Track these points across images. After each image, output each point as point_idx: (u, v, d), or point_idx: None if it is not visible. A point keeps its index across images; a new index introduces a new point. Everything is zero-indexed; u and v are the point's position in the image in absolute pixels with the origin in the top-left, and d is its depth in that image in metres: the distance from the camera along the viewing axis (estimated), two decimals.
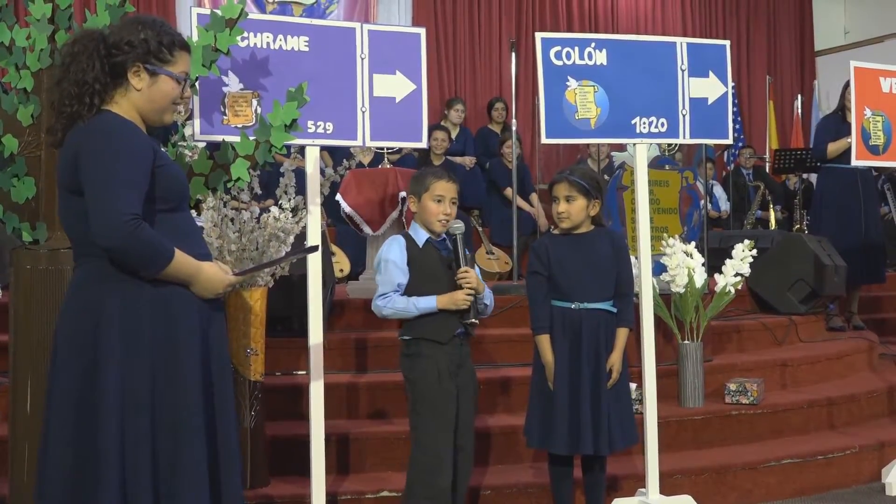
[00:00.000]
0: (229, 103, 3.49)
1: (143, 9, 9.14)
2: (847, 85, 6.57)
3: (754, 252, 5.04)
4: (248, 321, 3.90)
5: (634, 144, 4.07)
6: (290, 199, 4.15)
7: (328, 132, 3.65)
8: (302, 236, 3.97)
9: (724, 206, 9.99)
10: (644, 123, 4.00)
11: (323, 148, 4.43)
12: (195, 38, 3.24)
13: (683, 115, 4.05)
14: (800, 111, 12.08)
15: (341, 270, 6.85)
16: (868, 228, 6.58)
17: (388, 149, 6.66)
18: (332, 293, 5.13)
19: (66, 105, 2.61)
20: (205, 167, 3.27)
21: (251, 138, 3.32)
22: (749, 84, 12.44)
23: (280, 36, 3.58)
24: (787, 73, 12.77)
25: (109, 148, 2.52)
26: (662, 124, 4.02)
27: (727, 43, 4.20)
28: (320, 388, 3.56)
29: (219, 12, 3.25)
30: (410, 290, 3.42)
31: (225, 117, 3.48)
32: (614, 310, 3.68)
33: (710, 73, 4.09)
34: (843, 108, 6.66)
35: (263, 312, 3.96)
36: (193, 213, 3.26)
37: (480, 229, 8.27)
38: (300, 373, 4.60)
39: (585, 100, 3.91)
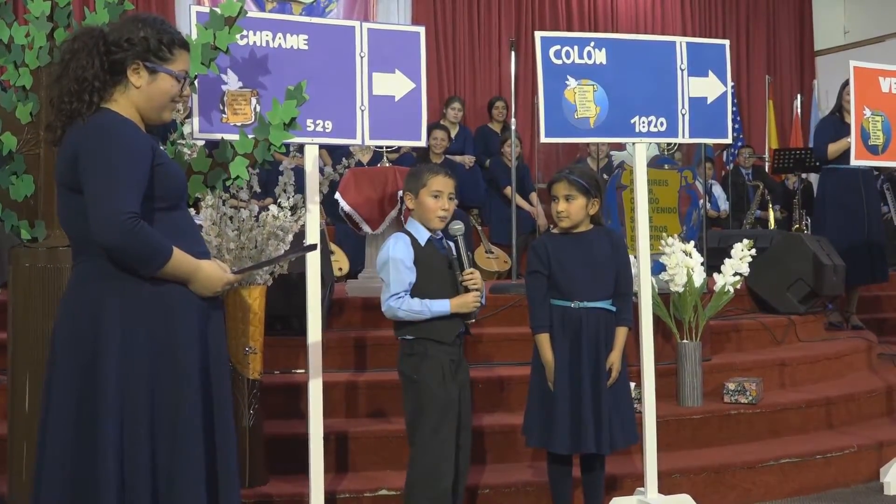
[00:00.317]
0: (228, 101, 3.48)
1: (142, 7, 9.13)
2: (845, 85, 6.59)
3: (753, 252, 5.04)
4: (247, 320, 3.89)
5: (634, 144, 4.06)
6: (289, 198, 4.15)
7: (327, 131, 3.64)
8: (301, 235, 3.97)
9: (724, 205, 9.99)
10: (643, 123, 4.00)
11: (322, 146, 4.43)
12: (194, 36, 3.24)
13: (683, 115, 4.05)
14: (799, 111, 12.08)
15: (340, 269, 6.85)
16: (871, 228, 6.59)
17: (387, 147, 6.66)
18: (332, 292, 5.13)
19: (66, 102, 2.61)
20: (204, 165, 3.27)
21: (250, 137, 3.31)
22: (748, 83, 12.44)
23: (279, 34, 3.57)
24: (787, 72, 12.77)
25: (109, 147, 2.52)
26: (662, 124, 4.02)
27: (726, 42, 4.20)
28: (319, 386, 3.56)
29: (218, 10, 3.25)
30: (415, 290, 3.40)
31: (224, 115, 3.47)
32: (614, 309, 3.68)
33: (710, 73, 4.09)
34: (840, 109, 6.67)
35: (262, 311, 3.96)
36: (192, 211, 3.26)
37: (480, 228, 8.27)
38: (299, 371, 4.60)
39: (585, 99, 3.91)
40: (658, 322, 4.79)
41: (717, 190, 10.17)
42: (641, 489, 3.99)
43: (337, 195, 5.89)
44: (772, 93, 12.01)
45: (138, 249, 2.50)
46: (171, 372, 2.58)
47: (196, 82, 3.34)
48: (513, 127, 6.76)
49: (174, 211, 2.69)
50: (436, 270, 3.41)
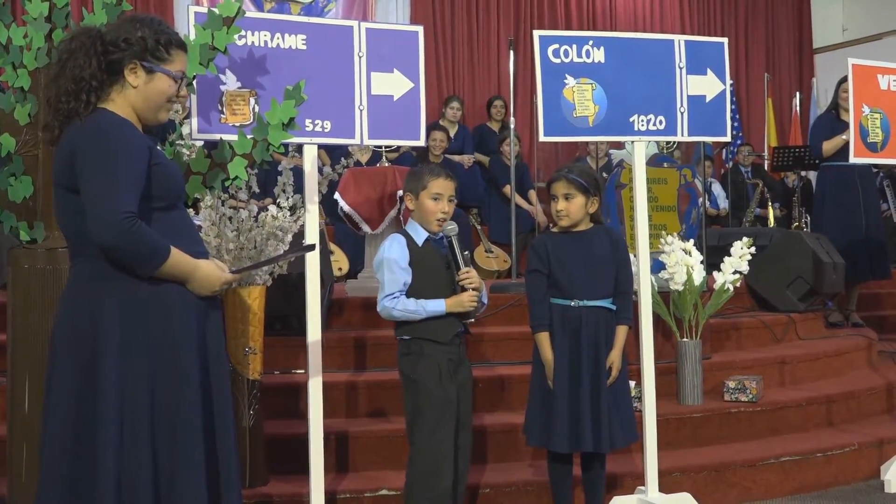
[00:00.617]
0: (227, 102, 3.48)
1: (140, 7, 9.12)
2: (841, 82, 6.61)
3: (753, 250, 5.04)
4: (247, 320, 3.89)
5: (633, 142, 4.06)
6: (288, 198, 4.15)
7: (326, 131, 3.64)
8: (300, 235, 3.97)
9: (723, 203, 9.99)
10: (642, 121, 4.00)
11: (321, 146, 4.43)
12: (192, 36, 3.23)
13: (681, 113, 4.04)
14: (798, 109, 12.08)
15: (340, 269, 6.84)
16: (869, 225, 6.59)
17: (385, 147, 6.66)
18: (331, 292, 5.13)
19: (63, 102, 2.62)
20: (202, 166, 3.26)
21: (249, 137, 3.31)
22: (747, 81, 12.44)
23: (278, 34, 3.57)
24: (786, 70, 12.77)
25: (106, 146, 2.53)
26: (660, 122, 4.02)
27: (725, 41, 4.20)
28: (319, 386, 3.55)
29: (216, 11, 3.25)
30: (412, 290, 3.40)
31: (222, 116, 3.47)
32: (613, 307, 3.68)
33: (709, 71, 4.09)
34: (836, 106, 6.67)
35: (262, 311, 3.95)
36: (191, 211, 3.26)
37: (479, 227, 8.27)
38: (299, 371, 4.60)
39: (583, 98, 3.90)
40: (658, 320, 4.79)
41: (717, 188, 10.17)
42: (642, 488, 3.98)
43: (336, 195, 5.89)
44: (771, 91, 12.00)
45: (136, 249, 2.50)
46: (171, 371, 2.58)
47: (195, 83, 3.33)
48: (511, 126, 6.76)
49: (172, 211, 2.69)
50: (434, 271, 3.41)
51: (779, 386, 5.29)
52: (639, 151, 4.05)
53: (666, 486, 4.02)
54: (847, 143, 6.28)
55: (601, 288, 3.66)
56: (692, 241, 5.00)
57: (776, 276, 6.27)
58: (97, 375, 2.53)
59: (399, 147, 7.81)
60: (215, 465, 2.66)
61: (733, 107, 11.33)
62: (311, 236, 3.54)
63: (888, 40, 11.73)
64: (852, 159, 4.70)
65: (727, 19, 12.47)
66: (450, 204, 3.46)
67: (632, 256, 3.98)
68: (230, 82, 3.49)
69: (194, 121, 3.45)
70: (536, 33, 3.94)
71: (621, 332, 3.67)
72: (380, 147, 6.63)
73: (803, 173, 9.79)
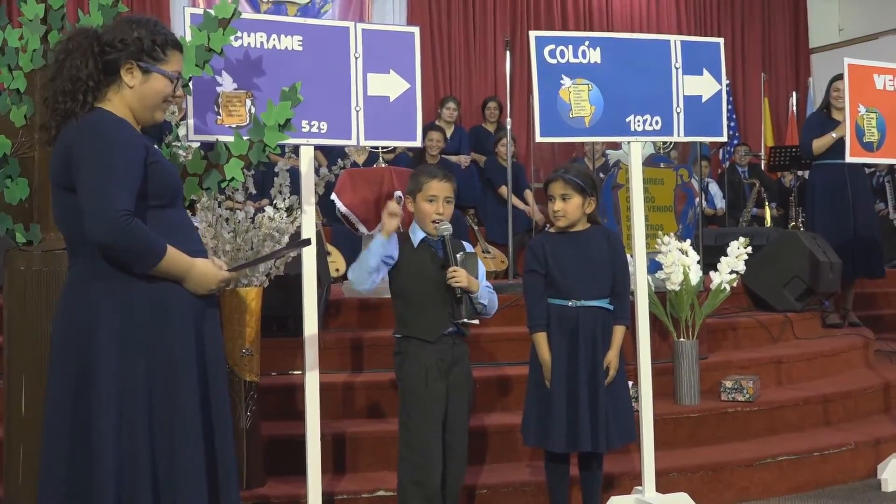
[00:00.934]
0: (223, 103, 3.48)
1: (136, 9, 9.12)
2: (832, 81, 6.62)
3: (749, 249, 5.04)
4: (244, 321, 3.89)
5: (629, 142, 4.07)
6: (284, 199, 4.15)
7: (322, 132, 3.64)
8: (297, 236, 3.97)
9: (720, 203, 10.00)
10: (638, 121, 4.00)
11: (317, 147, 4.41)
12: (188, 37, 3.23)
13: (678, 113, 4.05)
14: (795, 108, 12.09)
15: (337, 270, 6.84)
16: (859, 223, 6.59)
17: (382, 148, 6.65)
18: (328, 293, 5.12)
19: (60, 102, 2.63)
20: (199, 167, 3.26)
21: (245, 138, 3.31)
22: (744, 81, 12.46)
23: (274, 35, 3.57)
24: (782, 70, 12.79)
25: (102, 145, 2.54)
26: (657, 122, 4.03)
27: (721, 41, 4.21)
28: (316, 387, 3.55)
29: (212, 12, 3.25)
30: (400, 291, 3.44)
31: (219, 117, 3.47)
32: (611, 307, 3.68)
33: (705, 71, 4.10)
34: (828, 105, 6.68)
35: (259, 312, 3.95)
36: (188, 212, 3.25)
37: (476, 228, 8.27)
38: (296, 373, 4.60)
39: (580, 98, 3.91)
40: (655, 321, 4.79)
41: (714, 188, 10.17)
42: (639, 488, 3.99)
43: (333, 196, 5.88)
44: (767, 90, 12.02)
45: (132, 247, 2.50)
46: (168, 370, 2.58)
47: (190, 84, 3.33)
48: (508, 126, 6.76)
49: (169, 209, 2.69)
50: (419, 271, 3.41)
51: (776, 385, 5.29)
52: (635, 152, 4.05)
53: (663, 485, 4.02)
54: (837, 142, 6.33)
55: (598, 288, 3.66)
56: (689, 241, 5.01)
57: (773, 275, 6.27)
58: (95, 374, 2.53)
59: (395, 148, 7.81)
60: (214, 465, 2.66)
61: (730, 106, 11.33)
62: (308, 238, 3.54)
63: (884, 40, 11.75)
64: (848, 159, 4.71)
65: (723, 19, 12.48)
66: (446, 206, 3.45)
67: (628, 257, 3.98)
68: (226, 83, 3.49)
69: (190, 122, 3.45)
70: (532, 34, 3.94)
71: (618, 332, 3.67)
72: (376, 148, 6.63)
73: (800, 173, 9.79)
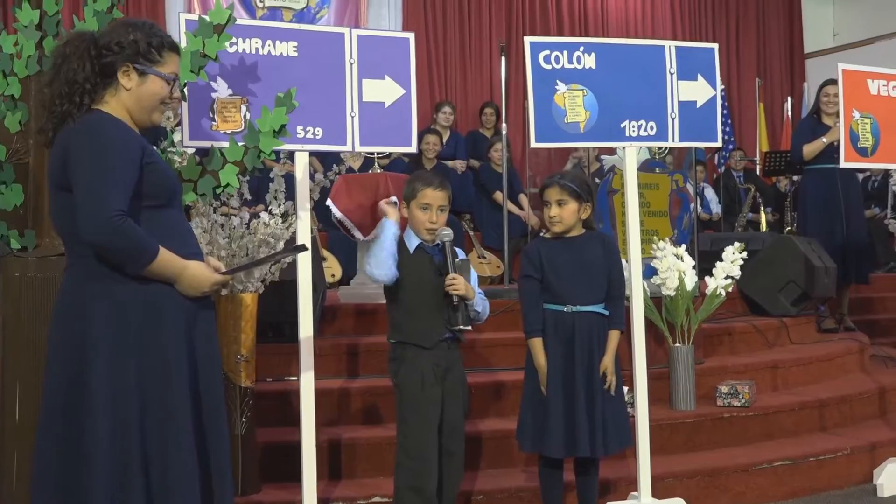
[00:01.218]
0: (218, 109, 3.48)
1: (132, 14, 9.13)
2: (822, 86, 6.63)
3: (745, 254, 5.04)
4: (239, 327, 3.88)
5: (624, 148, 4.07)
6: (280, 205, 4.15)
7: (317, 137, 3.65)
8: (292, 241, 3.97)
9: (715, 208, 10.01)
10: (633, 127, 4.01)
11: (312, 153, 4.42)
12: (183, 43, 3.24)
13: (672, 119, 4.06)
14: (790, 113, 12.11)
15: (333, 276, 6.84)
16: (850, 228, 6.60)
17: (377, 153, 6.66)
18: (324, 298, 5.12)
19: (57, 105, 2.65)
20: (194, 173, 3.26)
21: (240, 144, 3.31)
22: (739, 86, 12.48)
23: (269, 41, 3.58)
24: (777, 75, 12.82)
25: (97, 145, 2.55)
26: (651, 128, 4.03)
27: (715, 46, 4.22)
28: (311, 393, 3.55)
29: (207, 18, 3.25)
30: (397, 296, 3.44)
31: (214, 123, 3.47)
32: (606, 312, 3.68)
33: (699, 77, 4.10)
34: (818, 110, 6.70)
35: (254, 318, 3.95)
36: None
37: (472, 233, 8.27)
38: (291, 379, 4.59)
39: (574, 104, 3.91)
40: (650, 326, 4.79)
41: (709, 193, 10.18)
42: (635, 493, 3.98)
43: (329, 202, 5.89)
44: (762, 95, 12.04)
45: (123, 247, 2.51)
46: (159, 372, 2.58)
47: (185, 90, 3.33)
48: (503, 132, 6.77)
49: (165, 210, 2.69)
50: (417, 277, 3.42)
51: (771, 391, 5.29)
52: (630, 157, 4.06)
53: (659, 491, 4.02)
54: (828, 147, 6.34)
55: (594, 293, 3.66)
56: (684, 246, 5.01)
57: (768, 280, 6.28)
58: (88, 375, 2.54)
59: (391, 153, 7.81)
60: (207, 468, 2.66)
61: (725, 111, 11.36)
62: (303, 243, 3.54)
63: (879, 45, 11.78)
64: (843, 164, 4.72)
65: (718, 24, 12.51)
66: (440, 214, 3.46)
67: (624, 262, 3.98)
68: (221, 89, 3.49)
69: (185, 128, 3.45)
70: (527, 39, 3.95)
71: (613, 337, 3.67)
72: (371, 153, 6.63)
73: (795, 178, 9.82)
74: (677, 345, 4.87)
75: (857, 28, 12.33)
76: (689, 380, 4.81)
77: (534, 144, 3.93)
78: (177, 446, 2.57)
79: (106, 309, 2.56)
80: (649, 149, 5.93)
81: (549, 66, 3.91)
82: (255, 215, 4.10)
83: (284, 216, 4.11)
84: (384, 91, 3.74)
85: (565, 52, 3.93)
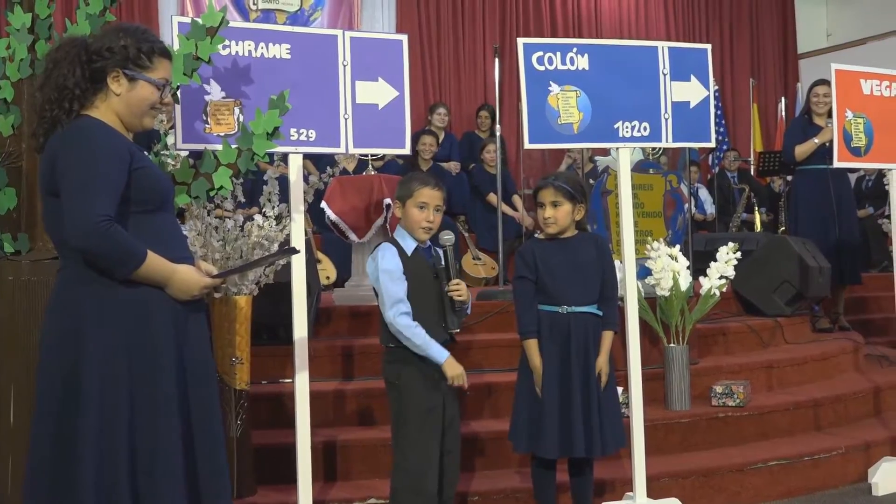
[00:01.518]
0: (211, 112, 3.48)
1: (125, 18, 9.11)
2: (812, 86, 6.65)
3: (739, 255, 5.05)
4: (234, 330, 3.88)
5: (617, 149, 4.08)
6: (273, 207, 4.14)
7: (311, 140, 3.64)
8: (286, 244, 3.96)
9: (710, 208, 10.02)
10: (627, 128, 4.01)
11: (306, 156, 4.42)
12: (176, 46, 3.24)
13: (666, 119, 4.06)
14: (783, 113, 12.12)
15: (328, 278, 6.84)
16: (842, 228, 6.61)
17: (371, 155, 6.66)
18: (318, 301, 5.12)
19: (47, 110, 2.66)
20: (187, 176, 3.26)
21: (233, 146, 3.31)
22: (733, 87, 12.49)
23: (262, 44, 3.58)
24: (771, 75, 12.83)
25: (84, 151, 2.56)
26: (645, 128, 4.04)
27: (708, 47, 4.23)
28: (306, 395, 3.55)
29: (199, 21, 3.25)
30: None
31: (207, 126, 3.47)
32: (600, 313, 3.68)
33: (692, 77, 4.11)
34: (809, 111, 6.71)
35: (248, 321, 3.95)
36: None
37: (467, 235, 8.28)
38: (286, 381, 4.59)
39: (568, 105, 3.92)
40: (645, 326, 4.80)
41: (703, 193, 10.20)
42: (630, 493, 3.99)
43: (323, 204, 5.88)
44: (756, 96, 12.05)
45: (110, 252, 2.51)
46: (149, 375, 2.59)
47: (178, 93, 3.33)
48: (497, 134, 6.77)
49: (156, 215, 2.70)
50: (422, 281, 3.41)
51: (766, 390, 5.30)
52: (624, 158, 4.06)
53: (654, 491, 4.02)
54: (819, 147, 6.36)
55: (589, 294, 3.67)
56: (678, 246, 5.01)
57: (763, 280, 6.28)
58: (78, 379, 2.54)
59: (385, 155, 7.81)
60: (195, 471, 2.66)
61: (719, 112, 11.37)
62: (297, 245, 3.54)
63: (872, 45, 11.80)
64: (836, 164, 4.73)
65: (712, 25, 12.52)
66: (436, 214, 3.46)
67: (617, 262, 3.99)
68: (214, 92, 3.49)
69: (179, 131, 3.45)
70: (521, 41, 3.95)
71: (607, 337, 3.68)
72: (366, 155, 6.63)
73: (789, 178, 9.83)
74: (672, 345, 4.88)
75: (851, 28, 12.35)
76: (683, 380, 4.82)
77: (527, 146, 3.94)
78: (165, 443, 2.58)
79: (97, 311, 2.57)
80: (643, 149, 5.94)
81: (542, 68, 3.92)
82: (249, 218, 4.10)
83: (278, 218, 4.11)
84: (377, 93, 3.74)
85: (558, 54, 3.93)
